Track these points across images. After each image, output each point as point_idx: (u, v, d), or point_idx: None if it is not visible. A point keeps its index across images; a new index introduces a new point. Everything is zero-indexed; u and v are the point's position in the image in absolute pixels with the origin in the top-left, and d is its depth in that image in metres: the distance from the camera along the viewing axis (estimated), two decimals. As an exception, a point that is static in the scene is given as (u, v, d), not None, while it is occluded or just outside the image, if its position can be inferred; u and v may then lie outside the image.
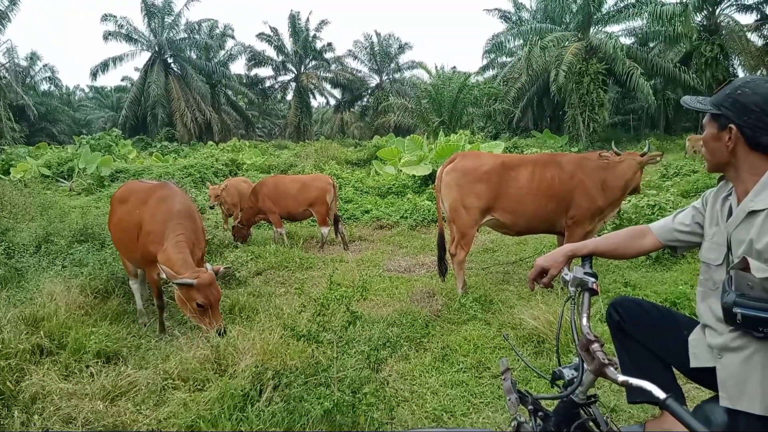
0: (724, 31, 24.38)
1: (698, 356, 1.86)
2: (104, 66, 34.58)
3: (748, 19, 25.30)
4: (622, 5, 23.02)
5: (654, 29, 23.59)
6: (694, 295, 4.44)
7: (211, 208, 8.57)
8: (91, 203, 12.32)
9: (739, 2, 24.84)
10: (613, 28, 24.47)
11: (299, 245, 7.78)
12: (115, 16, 33.72)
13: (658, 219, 6.35)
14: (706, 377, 1.84)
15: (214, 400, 3.01)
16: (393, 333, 4.07)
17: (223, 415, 2.89)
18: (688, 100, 1.80)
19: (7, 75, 29.96)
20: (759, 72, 24.40)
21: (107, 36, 33.81)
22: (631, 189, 5.27)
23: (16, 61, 39.39)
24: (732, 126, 1.64)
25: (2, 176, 16.10)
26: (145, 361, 3.75)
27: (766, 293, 1.56)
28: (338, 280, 5.22)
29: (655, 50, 26.04)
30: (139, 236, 4.33)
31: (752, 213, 1.63)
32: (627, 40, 25.59)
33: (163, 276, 3.96)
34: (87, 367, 3.52)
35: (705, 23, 24.56)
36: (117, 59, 34.72)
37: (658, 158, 5.58)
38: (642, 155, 5.22)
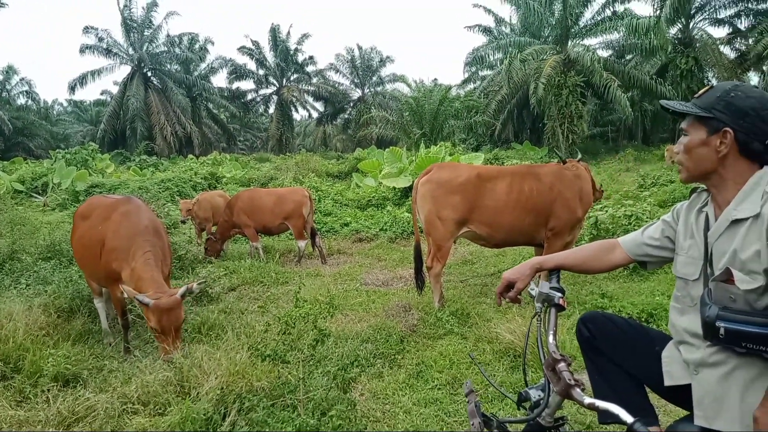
0: (698, 44, 24.93)
1: (672, 374, 1.78)
2: (82, 80, 34.14)
3: (720, 32, 25.91)
4: (599, 19, 23.48)
5: (630, 42, 24.09)
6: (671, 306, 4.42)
7: (183, 222, 8.39)
8: (64, 219, 12.01)
9: (711, 16, 25.46)
10: (591, 41, 24.95)
11: (275, 259, 7.63)
12: (96, 29, 33.50)
13: (635, 229, 6.39)
14: (681, 395, 1.76)
15: (174, 425, 2.86)
16: (367, 350, 3.94)
17: (183, 441, 2.74)
18: (670, 102, 1.71)
19: (-20, 89, 29.33)
20: (732, 84, 24.92)
21: (84, 50, 33.45)
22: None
23: (-10, 75, 38.77)
24: (728, 130, 1.56)
25: (-28, 192, 15.64)
26: (106, 383, 3.56)
27: (749, 306, 1.49)
28: (310, 295, 5.09)
29: (632, 63, 26.55)
30: (102, 253, 4.15)
31: (735, 222, 1.56)
32: (604, 53, 26.12)
33: (125, 295, 3.80)
34: (43, 391, 3.34)
35: (680, 36, 25.11)
36: (96, 73, 34.32)
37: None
38: (578, 161, 5.47)
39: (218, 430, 2.82)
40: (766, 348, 1.43)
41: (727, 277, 1.54)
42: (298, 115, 46.29)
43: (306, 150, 37.61)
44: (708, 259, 1.64)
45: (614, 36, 24.53)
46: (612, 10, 23.19)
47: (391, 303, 5.12)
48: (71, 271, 5.75)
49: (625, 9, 23.32)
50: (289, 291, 6.03)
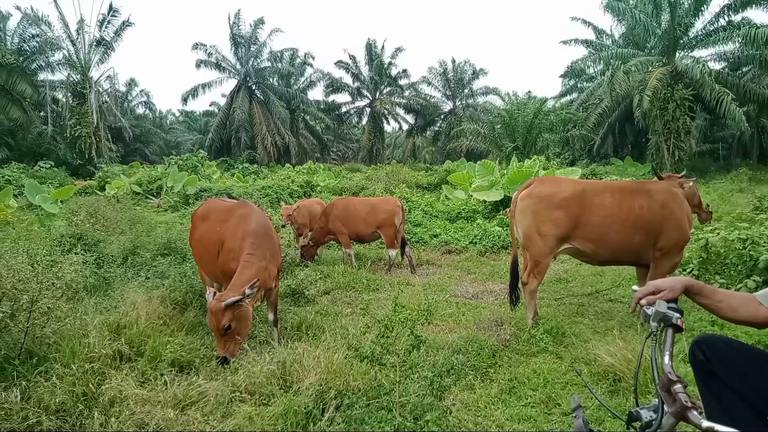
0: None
1: None
2: (194, 92, 37.12)
3: None
4: (711, 29, 21.78)
5: (747, 53, 22.09)
6: (794, 339, 4.02)
7: (283, 227, 8.84)
8: (176, 219, 13.08)
9: None
10: (701, 53, 23.17)
11: (367, 267, 7.83)
12: (205, 45, 36.27)
13: (750, 254, 5.90)
14: None
15: (278, 416, 3.05)
16: (458, 360, 3.95)
17: (286, 431, 2.91)
18: None
19: (108, 99, 32.75)
20: None
21: (199, 64, 36.35)
22: None
23: (117, 86, 43.33)
24: None
25: (98, 192, 17.49)
26: (216, 372, 3.87)
27: None
28: (403, 302, 5.18)
29: (749, 75, 24.32)
30: (220, 253, 4.51)
31: None
32: (717, 65, 24.10)
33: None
34: (161, 374, 3.67)
35: (807, 46, 22.69)
36: (206, 86, 37.19)
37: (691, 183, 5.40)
38: (680, 177, 5.12)
39: (317, 423, 2.97)
40: None
41: None
42: (389, 126, 47.16)
43: (396, 161, 38.17)
44: None
45: (728, 47, 22.60)
46: (727, 19, 21.41)
47: (483, 316, 5.10)
48: (185, 267, 6.28)
49: (742, 18, 21.45)
50: (380, 298, 6.17)
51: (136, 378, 3.66)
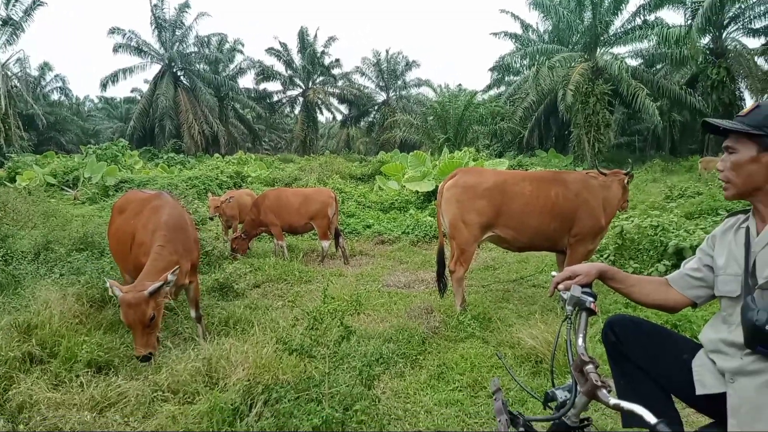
0: (730, 55, 24.43)
1: (705, 383, 1.79)
2: (114, 77, 34.92)
3: (755, 42, 25.31)
4: (629, 27, 23.13)
5: (660, 51, 23.71)
6: (695, 318, 4.37)
7: (211, 219, 8.57)
8: (94, 212, 12.36)
9: (746, 26, 24.90)
10: (620, 50, 24.60)
11: (299, 258, 7.75)
12: (123, 30, 34.09)
13: (661, 240, 6.35)
14: (709, 404, 1.78)
15: (203, 414, 2.95)
16: (388, 349, 4.00)
17: (211, 430, 2.83)
18: (718, 120, 1.78)
19: (18, 84, 30.28)
20: (765, 96, 24.41)
21: (117, 48, 34.22)
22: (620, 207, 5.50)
23: (28, 71, 39.95)
24: None
25: (8, 184, 16.19)
26: (136, 372, 3.70)
27: None
28: (335, 293, 5.16)
29: (662, 72, 26.12)
30: (132, 247, 4.29)
31: None
32: (633, 62, 25.72)
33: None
34: (77, 376, 3.46)
35: (711, 46, 24.61)
36: (127, 71, 35.05)
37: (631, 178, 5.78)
38: (626, 174, 5.42)
39: (245, 419, 2.90)
40: None
41: None
42: (323, 117, 46.78)
43: (330, 152, 37.91)
44: (749, 270, 1.68)
45: (644, 45, 24.17)
46: (643, 18, 22.83)
47: (413, 305, 5.17)
48: (103, 263, 5.94)
49: (656, 18, 22.96)
50: (311, 290, 6.13)
51: (49, 381, 3.44)
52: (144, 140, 35.63)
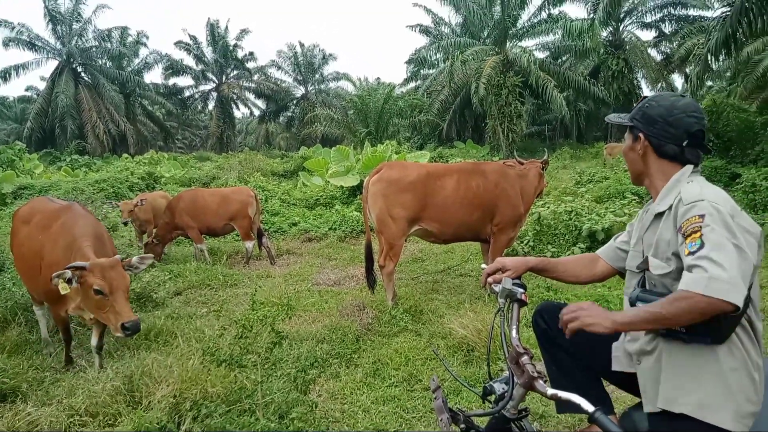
0: (627, 47, 26.39)
1: (620, 360, 1.90)
2: (5, 74, 31.67)
3: (648, 35, 27.55)
4: (535, 21, 24.24)
5: (565, 44, 25.06)
6: (612, 297, 4.66)
7: (124, 224, 8.02)
8: (-13, 223, 11.18)
9: (640, 20, 26.98)
10: (528, 43, 25.75)
11: (222, 261, 7.43)
12: (11, 23, 31.01)
13: (575, 224, 6.70)
14: (632, 384, 1.87)
15: (127, 437, 2.74)
16: (323, 350, 3.93)
17: (136, 454, 2.63)
18: (612, 117, 1.93)
19: None
20: (659, 84, 26.62)
21: (7, 42, 31.09)
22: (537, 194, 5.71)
23: None
24: (641, 135, 1.78)
25: None
26: (49, 396, 3.36)
27: (667, 290, 1.64)
28: (264, 297, 5.00)
29: (567, 64, 27.67)
30: (42, 268, 3.76)
31: (658, 215, 1.74)
32: (541, 54, 27.01)
33: (71, 313, 3.53)
34: (-24, 409, 3.12)
35: (611, 39, 26.45)
36: (20, 67, 31.94)
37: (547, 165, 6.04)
38: (542, 162, 5.68)
39: (173, 439, 2.73)
40: (682, 328, 1.55)
41: (647, 266, 1.72)
42: (239, 112, 45.23)
43: (249, 148, 36.81)
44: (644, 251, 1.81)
45: (550, 38, 25.44)
46: (548, 12, 24.02)
47: (345, 302, 5.12)
48: (4, 278, 5.37)
49: (560, 12, 24.26)
50: (238, 294, 5.90)
51: (-58, 418, 3.06)
52: (44, 142, 32.70)
